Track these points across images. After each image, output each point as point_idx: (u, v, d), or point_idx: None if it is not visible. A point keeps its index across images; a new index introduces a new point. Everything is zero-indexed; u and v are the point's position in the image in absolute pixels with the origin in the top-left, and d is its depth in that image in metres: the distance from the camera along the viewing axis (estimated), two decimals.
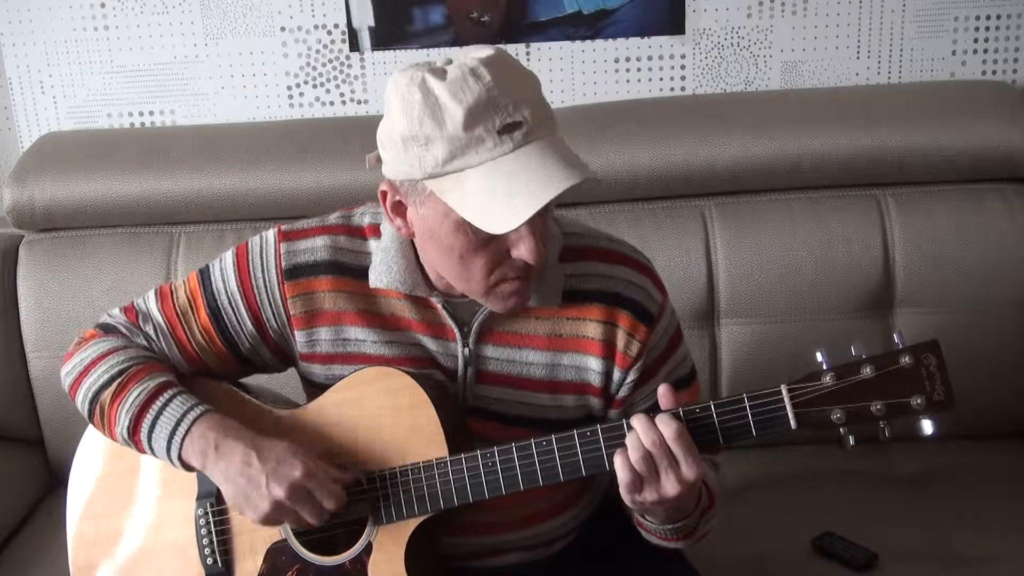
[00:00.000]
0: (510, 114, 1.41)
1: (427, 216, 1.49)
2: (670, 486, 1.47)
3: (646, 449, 1.47)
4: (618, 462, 1.48)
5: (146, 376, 1.62)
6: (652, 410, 1.52)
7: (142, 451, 1.63)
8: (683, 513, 1.57)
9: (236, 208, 2.38)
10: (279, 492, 1.53)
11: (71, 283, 2.35)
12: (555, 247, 1.62)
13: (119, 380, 1.62)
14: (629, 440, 1.48)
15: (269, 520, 1.56)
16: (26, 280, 2.38)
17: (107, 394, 1.62)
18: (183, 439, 1.57)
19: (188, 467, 1.60)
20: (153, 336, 1.69)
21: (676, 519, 1.58)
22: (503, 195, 1.41)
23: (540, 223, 1.47)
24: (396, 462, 1.59)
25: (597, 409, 1.68)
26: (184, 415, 1.58)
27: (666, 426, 1.47)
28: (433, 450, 1.57)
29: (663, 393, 1.52)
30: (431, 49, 2.59)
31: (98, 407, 1.63)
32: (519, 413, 1.64)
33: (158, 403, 1.59)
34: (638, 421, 1.49)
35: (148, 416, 1.59)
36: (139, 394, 1.60)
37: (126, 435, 1.61)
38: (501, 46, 1.52)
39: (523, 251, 1.47)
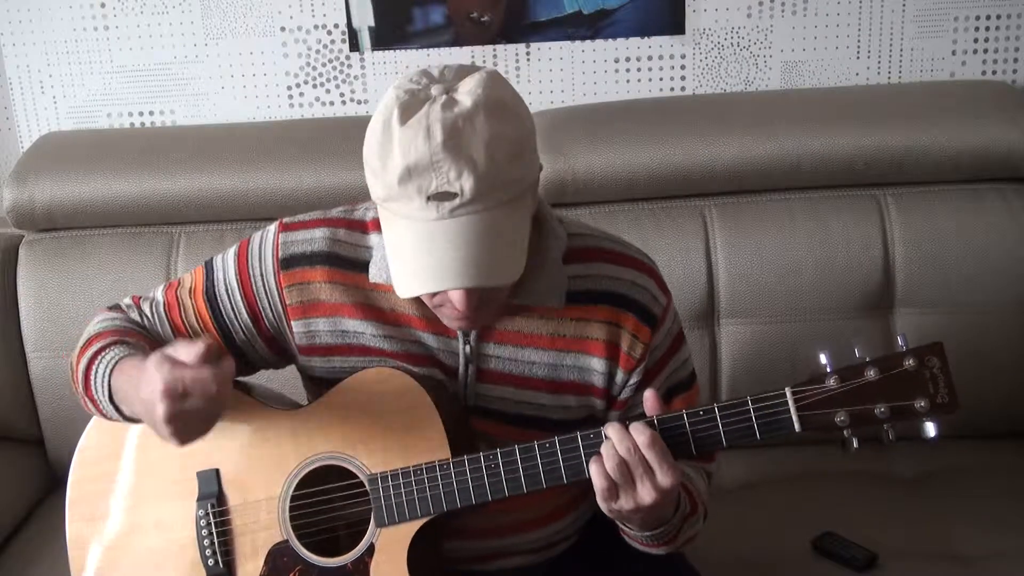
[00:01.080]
0: (448, 182, 1.39)
1: None
2: (646, 494, 1.48)
3: (621, 457, 1.47)
4: (594, 470, 1.49)
5: (108, 336, 1.61)
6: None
7: (101, 413, 1.60)
8: (660, 520, 1.57)
9: (236, 208, 2.37)
10: (160, 410, 1.38)
11: (71, 283, 2.35)
12: (558, 248, 1.62)
13: (87, 339, 1.62)
14: (604, 449, 1.49)
15: (180, 435, 1.41)
16: (26, 280, 2.37)
17: (76, 351, 1.63)
18: (110, 379, 1.53)
19: (128, 418, 1.55)
20: (149, 314, 1.70)
21: (654, 526, 1.57)
22: (410, 259, 1.41)
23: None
24: (398, 463, 1.59)
25: (599, 410, 1.68)
26: (110, 363, 1.54)
27: (639, 433, 1.47)
28: (435, 452, 1.57)
29: (647, 398, 1.52)
30: (431, 49, 2.59)
31: (70, 366, 1.64)
32: (521, 412, 1.64)
33: (102, 355, 1.57)
34: (612, 429, 1.49)
35: (94, 367, 1.57)
36: (95, 350, 1.58)
37: (82, 389, 1.61)
38: (498, 71, 1.48)
39: (453, 297, 1.46)
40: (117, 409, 1.57)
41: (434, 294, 1.49)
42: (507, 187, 1.43)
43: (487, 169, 1.40)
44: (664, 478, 1.47)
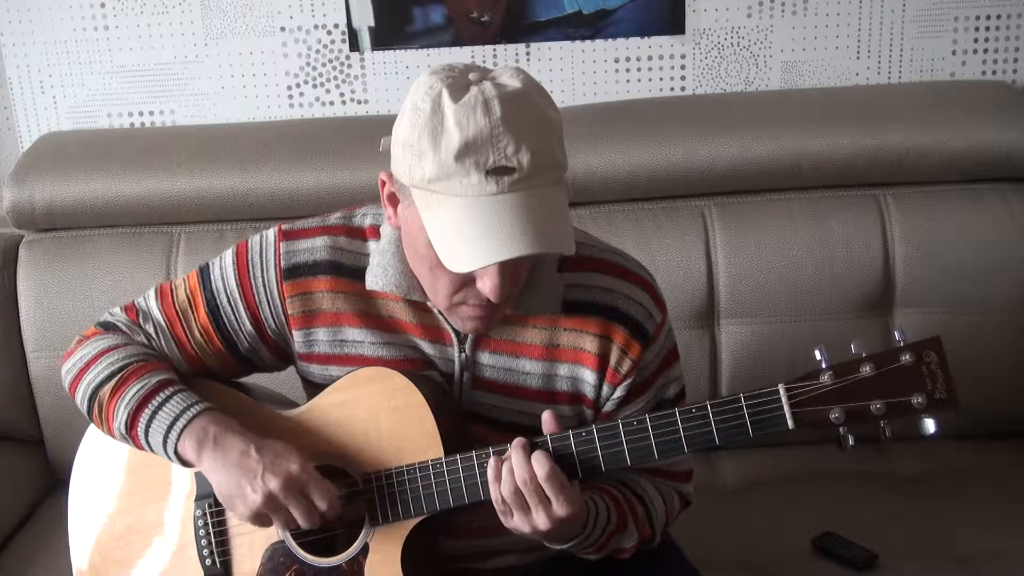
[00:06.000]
0: (506, 157, 1.38)
1: (410, 219, 1.49)
2: (541, 521, 1.48)
3: (516, 485, 1.48)
4: (492, 488, 1.50)
5: (147, 373, 1.62)
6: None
7: (139, 446, 1.62)
8: (565, 538, 1.56)
9: (236, 208, 2.37)
10: (274, 483, 1.51)
11: (71, 283, 2.35)
12: (555, 256, 1.60)
13: (119, 376, 1.61)
14: (504, 469, 1.49)
15: (259, 515, 1.54)
16: (26, 280, 2.37)
17: (106, 389, 1.62)
18: (181, 432, 1.56)
19: (183, 461, 1.59)
20: (153, 334, 1.69)
21: (561, 541, 1.56)
22: (468, 235, 1.39)
23: (513, 262, 1.44)
24: (392, 463, 1.58)
25: (590, 419, 1.67)
26: (184, 410, 1.58)
27: (540, 465, 1.47)
28: (429, 451, 1.57)
29: (545, 420, 1.52)
30: (431, 49, 2.59)
31: (97, 403, 1.63)
32: (516, 421, 1.63)
33: (158, 398, 1.59)
34: (515, 453, 1.49)
35: (147, 411, 1.59)
36: (139, 389, 1.60)
37: (123, 430, 1.61)
38: (525, 70, 1.47)
39: (486, 285, 1.45)
40: (146, 439, 1.60)
41: (457, 289, 1.49)
42: (554, 168, 1.43)
43: (541, 147, 1.40)
44: (560, 508, 1.47)
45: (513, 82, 1.43)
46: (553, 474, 1.47)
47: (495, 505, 1.51)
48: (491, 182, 1.39)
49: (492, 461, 1.51)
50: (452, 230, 1.41)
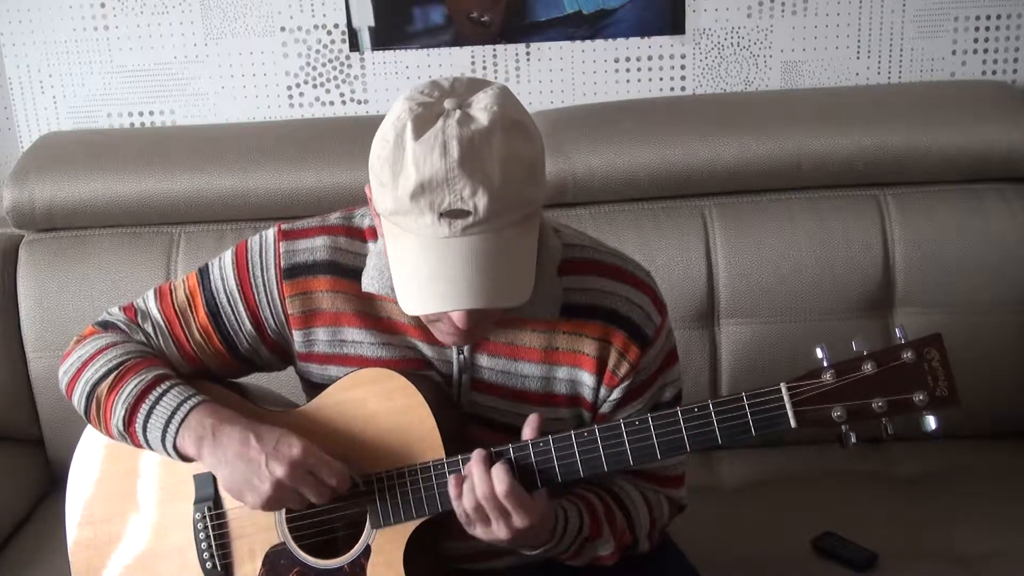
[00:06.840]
0: (462, 200, 1.37)
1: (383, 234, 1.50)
2: (502, 532, 1.49)
3: (477, 501, 1.48)
4: (453, 498, 1.51)
5: (144, 368, 1.61)
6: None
7: (137, 444, 1.61)
8: (533, 545, 1.56)
9: (236, 208, 2.37)
10: (280, 471, 1.51)
11: (71, 283, 2.35)
12: (552, 259, 1.60)
13: (116, 372, 1.61)
14: (465, 485, 1.50)
15: (271, 503, 1.54)
16: (26, 280, 2.37)
17: (104, 387, 1.61)
18: (178, 428, 1.56)
19: (183, 457, 1.58)
20: (152, 334, 1.68)
21: (530, 547, 1.56)
22: (420, 276, 1.40)
23: None
24: (393, 464, 1.58)
25: (587, 421, 1.67)
26: (180, 404, 1.57)
27: (499, 481, 1.47)
28: (430, 452, 1.57)
29: (528, 423, 1.52)
30: (431, 49, 2.59)
31: (94, 401, 1.62)
32: (515, 423, 1.62)
33: (154, 393, 1.58)
34: (476, 467, 1.49)
35: (144, 406, 1.58)
36: (136, 385, 1.59)
37: (121, 427, 1.60)
38: (508, 88, 1.44)
39: (453, 315, 1.44)
40: (145, 436, 1.60)
41: None
42: (519, 207, 1.41)
43: (502, 188, 1.38)
44: (520, 520, 1.48)
45: (482, 116, 1.39)
46: (512, 491, 1.47)
47: (458, 516, 1.52)
48: (444, 225, 1.38)
49: (452, 478, 1.52)
50: (408, 266, 1.41)
